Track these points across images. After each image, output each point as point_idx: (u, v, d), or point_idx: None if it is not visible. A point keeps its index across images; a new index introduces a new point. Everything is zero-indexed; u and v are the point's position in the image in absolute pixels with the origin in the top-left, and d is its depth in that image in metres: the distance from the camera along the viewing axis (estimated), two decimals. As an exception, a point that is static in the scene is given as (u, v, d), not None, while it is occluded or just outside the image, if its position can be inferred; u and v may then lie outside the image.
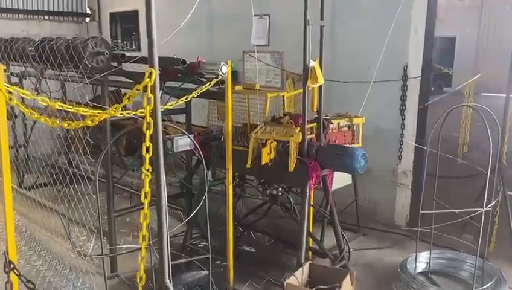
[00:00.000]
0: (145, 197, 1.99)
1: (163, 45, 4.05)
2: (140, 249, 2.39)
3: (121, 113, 2.45)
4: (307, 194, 3.42)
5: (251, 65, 6.29)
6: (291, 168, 3.20)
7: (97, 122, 2.01)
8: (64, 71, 3.73)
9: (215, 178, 4.28)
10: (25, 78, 6.89)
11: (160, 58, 3.68)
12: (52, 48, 3.59)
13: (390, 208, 5.04)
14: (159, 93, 3.74)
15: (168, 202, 4.61)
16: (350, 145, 3.54)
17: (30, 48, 4.04)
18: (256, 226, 4.78)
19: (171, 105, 3.13)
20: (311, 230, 4.07)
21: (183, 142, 3.84)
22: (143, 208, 4.32)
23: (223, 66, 3.24)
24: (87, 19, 8.76)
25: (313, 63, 3.35)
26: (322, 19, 3.52)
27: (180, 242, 4.44)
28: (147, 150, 1.85)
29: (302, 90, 4.09)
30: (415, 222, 4.98)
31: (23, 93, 2.17)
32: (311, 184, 3.37)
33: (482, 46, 16.07)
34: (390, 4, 4.76)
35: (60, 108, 2.20)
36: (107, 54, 3.30)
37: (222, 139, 4.09)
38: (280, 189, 3.74)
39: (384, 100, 4.80)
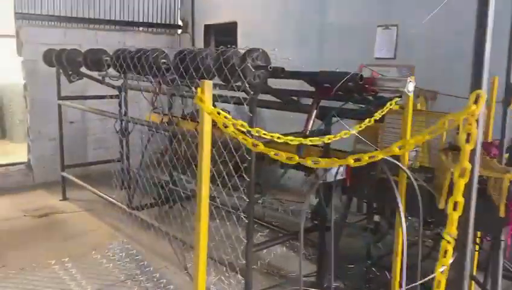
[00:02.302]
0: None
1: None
2: None
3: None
4: (502, 243, 2.76)
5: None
6: (503, 213, 2.56)
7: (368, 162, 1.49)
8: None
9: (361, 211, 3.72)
10: (126, 92, 6.72)
11: (326, 73, 3.22)
12: (195, 59, 3.18)
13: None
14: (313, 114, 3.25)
15: (296, 235, 4.05)
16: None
17: (163, 60, 3.68)
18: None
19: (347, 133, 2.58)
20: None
21: (338, 171, 3.31)
22: (281, 243, 3.79)
23: (410, 83, 2.67)
24: (179, 31, 8.55)
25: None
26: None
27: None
28: (455, 207, 1.28)
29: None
30: None
31: (241, 125, 1.73)
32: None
33: None
34: None
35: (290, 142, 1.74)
36: (270, 68, 2.83)
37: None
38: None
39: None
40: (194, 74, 3.17)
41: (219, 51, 3.02)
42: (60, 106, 6.18)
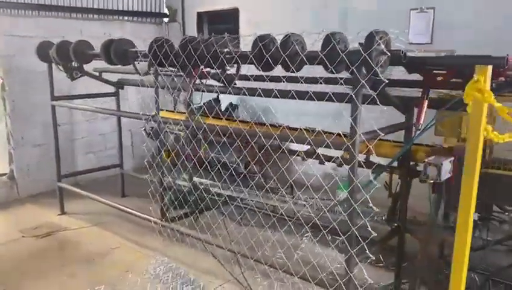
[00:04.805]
0: None
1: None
2: None
3: None
4: None
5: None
6: None
7: None
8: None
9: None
10: (122, 88, 6.00)
11: (459, 57, 2.84)
12: (288, 44, 2.69)
13: None
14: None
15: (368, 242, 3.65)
16: None
17: (226, 50, 3.14)
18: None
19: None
20: None
21: (448, 168, 2.96)
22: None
23: None
24: (166, 20, 7.85)
25: None
26: None
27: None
28: None
29: None
30: None
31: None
32: None
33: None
34: None
35: None
36: (403, 53, 2.41)
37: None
38: None
39: None
40: (288, 62, 2.67)
41: (327, 34, 2.54)
42: (54, 108, 5.35)
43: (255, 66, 2.91)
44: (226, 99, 6.63)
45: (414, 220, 3.82)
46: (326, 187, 2.91)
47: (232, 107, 6.48)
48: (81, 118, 6.72)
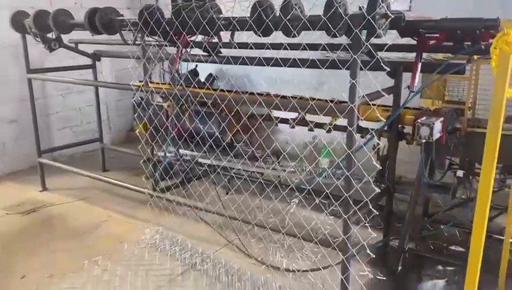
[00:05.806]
0: None
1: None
2: None
3: None
4: None
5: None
6: None
7: None
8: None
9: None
10: (99, 60, 5.85)
11: (455, 20, 2.92)
12: (289, 9, 2.72)
13: None
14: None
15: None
16: None
17: (221, 16, 3.13)
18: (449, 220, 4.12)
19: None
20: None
21: (439, 127, 3.11)
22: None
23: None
24: (136, -11, 7.62)
25: None
26: None
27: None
28: None
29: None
30: None
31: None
32: None
33: None
34: None
35: None
36: (404, 15, 2.47)
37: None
38: None
39: None
40: (290, 26, 2.70)
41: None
42: (30, 81, 5.17)
43: (254, 32, 2.92)
44: (204, 70, 6.57)
45: (400, 180, 4.00)
46: (332, 154, 2.98)
47: (212, 78, 6.44)
48: (54, 92, 6.52)
